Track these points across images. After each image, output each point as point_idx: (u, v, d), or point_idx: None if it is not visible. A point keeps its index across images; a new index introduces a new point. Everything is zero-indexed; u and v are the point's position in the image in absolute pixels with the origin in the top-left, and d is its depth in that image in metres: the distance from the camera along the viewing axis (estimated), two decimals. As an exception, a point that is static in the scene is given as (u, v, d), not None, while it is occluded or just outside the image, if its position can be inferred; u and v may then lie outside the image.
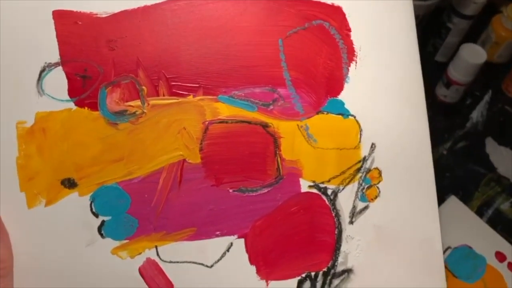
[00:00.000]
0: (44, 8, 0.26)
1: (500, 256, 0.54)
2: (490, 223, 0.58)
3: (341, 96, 0.28)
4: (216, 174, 0.27)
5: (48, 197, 0.26)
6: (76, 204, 0.26)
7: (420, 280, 0.28)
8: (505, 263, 0.54)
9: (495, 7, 0.70)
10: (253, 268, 0.27)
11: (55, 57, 0.26)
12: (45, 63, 0.26)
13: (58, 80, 0.26)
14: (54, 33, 0.26)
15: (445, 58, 0.71)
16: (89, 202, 0.26)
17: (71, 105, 0.26)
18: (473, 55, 0.62)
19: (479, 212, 0.61)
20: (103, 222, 0.26)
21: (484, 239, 0.55)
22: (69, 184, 0.26)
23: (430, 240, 0.29)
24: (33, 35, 0.26)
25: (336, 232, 0.28)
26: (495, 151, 0.67)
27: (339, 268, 0.28)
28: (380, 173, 0.28)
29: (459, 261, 0.53)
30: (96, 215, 0.26)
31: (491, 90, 0.70)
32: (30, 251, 0.25)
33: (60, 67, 0.26)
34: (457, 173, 0.64)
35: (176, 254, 0.26)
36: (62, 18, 0.26)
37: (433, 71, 0.70)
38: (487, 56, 0.63)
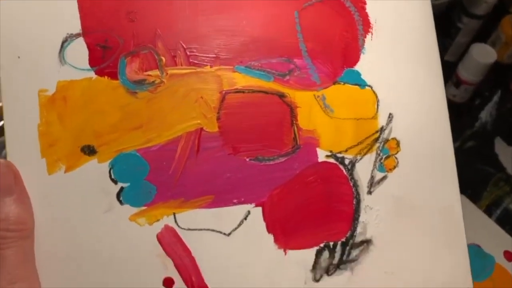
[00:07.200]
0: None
1: (509, 255, 0.53)
2: (499, 222, 0.57)
3: (358, 67, 0.28)
4: (233, 143, 0.27)
5: (67, 164, 0.26)
6: (95, 170, 0.26)
7: (441, 248, 0.28)
8: (514, 262, 0.53)
9: (505, 7, 0.70)
10: (271, 237, 0.27)
11: (77, 28, 0.27)
12: (67, 33, 0.27)
13: (79, 50, 0.27)
14: (76, 4, 0.27)
15: (454, 58, 0.70)
16: (108, 169, 0.26)
17: (92, 74, 0.26)
18: (483, 55, 0.62)
19: (488, 212, 0.60)
20: (121, 188, 0.26)
21: (492, 238, 0.54)
22: (89, 151, 0.26)
23: (450, 207, 0.28)
24: (56, 7, 0.27)
25: (354, 202, 0.28)
26: (504, 151, 0.66)
27: (358, 239, 0.27)
28: (398, 143, 0.28)
29: (467, 260, 0.52)
30: (115, 181, 0.26)
31: (500, 90, 0.70)
32: (49, 216, 0.26)
33: (82, 38, 0.27)
34: (466, 172, 0.62)
35: (194, 221, 0.26)
36: (84, -9, 0.27)
37: (442, 70, 0.69)
38: (497, 56, 0.62)
